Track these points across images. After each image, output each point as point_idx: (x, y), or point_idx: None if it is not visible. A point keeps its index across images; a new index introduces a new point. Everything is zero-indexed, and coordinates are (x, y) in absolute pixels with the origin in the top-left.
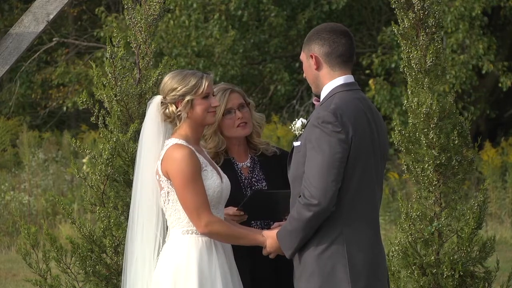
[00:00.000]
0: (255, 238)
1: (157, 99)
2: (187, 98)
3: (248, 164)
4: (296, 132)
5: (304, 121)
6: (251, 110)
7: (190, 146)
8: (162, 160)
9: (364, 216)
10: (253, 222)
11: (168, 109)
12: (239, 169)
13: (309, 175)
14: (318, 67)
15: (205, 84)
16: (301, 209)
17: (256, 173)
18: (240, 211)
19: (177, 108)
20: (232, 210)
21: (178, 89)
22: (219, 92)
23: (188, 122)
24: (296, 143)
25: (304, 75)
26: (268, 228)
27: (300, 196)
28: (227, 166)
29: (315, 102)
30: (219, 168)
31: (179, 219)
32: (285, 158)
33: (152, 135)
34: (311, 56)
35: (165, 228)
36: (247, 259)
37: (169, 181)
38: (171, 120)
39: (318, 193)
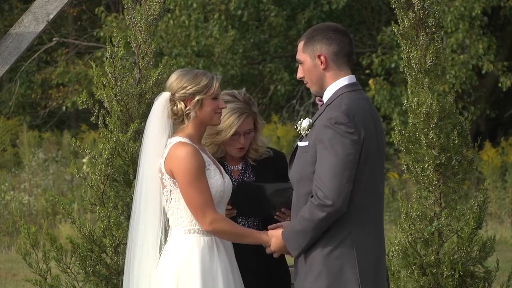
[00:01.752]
0: (259, 237)
1: (165, 95)
2: (198, 97)
3: (240, 167)
4: (302, 132)
5: (311, 120)
6: (257, 134)
7: (194, 144)
8: (165, 158)
9: (371, 216)
10: (238, 219)
11: (177, 106)
12: (230, 171)
13: (322, 175)
14: (326, 67)
15: (215, 85)
16: (314, 210)
17: (247, 175)
18: (228, 205)
19: (186, 106)
20: None
21: (189, 87)
22: (235, 112)
23: (194, 121)
24: (302, 143)
25: (299, 76)
26: (258, 228)
27: (312, 196)
28: None
29: (318, 102)
30: (221, 168)
31: (181, 218)
32: (279, 159)
33: (158, 131)
34: (318, 56)
35: (167, 227)
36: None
37: (172, 179)
38: (176, 118)
39: (332, 193)
